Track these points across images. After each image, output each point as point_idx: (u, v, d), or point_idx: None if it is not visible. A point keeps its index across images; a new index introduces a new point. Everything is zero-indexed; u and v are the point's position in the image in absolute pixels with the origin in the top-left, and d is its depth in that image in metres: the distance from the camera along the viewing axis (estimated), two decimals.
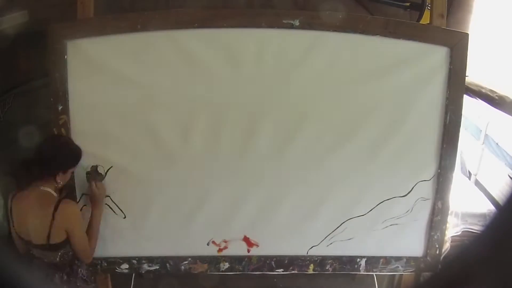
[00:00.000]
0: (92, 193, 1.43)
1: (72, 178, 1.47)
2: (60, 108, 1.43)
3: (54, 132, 1.44)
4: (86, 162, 1.47)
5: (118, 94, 1.44)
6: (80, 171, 1.47)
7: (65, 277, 1.35)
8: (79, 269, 1.39)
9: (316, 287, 1.97)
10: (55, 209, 1.28)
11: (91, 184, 1.43)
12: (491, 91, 1.57)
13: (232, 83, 1.45)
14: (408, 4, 1.74)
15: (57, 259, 1.33)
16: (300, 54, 1.44)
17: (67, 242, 1.32)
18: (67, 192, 1.44)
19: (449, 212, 1.61)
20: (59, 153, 1.34)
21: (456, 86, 1.47)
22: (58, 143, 1.38)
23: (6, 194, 1.85)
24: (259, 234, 1.57)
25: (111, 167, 1.48)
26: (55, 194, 1.32)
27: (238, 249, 1.57)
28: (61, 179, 1.33)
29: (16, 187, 1.34)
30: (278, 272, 1.60)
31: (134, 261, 1.56)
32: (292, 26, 1.42)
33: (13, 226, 1.33)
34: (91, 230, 1.40)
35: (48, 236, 1.29)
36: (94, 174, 1.47)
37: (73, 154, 1.38)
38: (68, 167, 1.35)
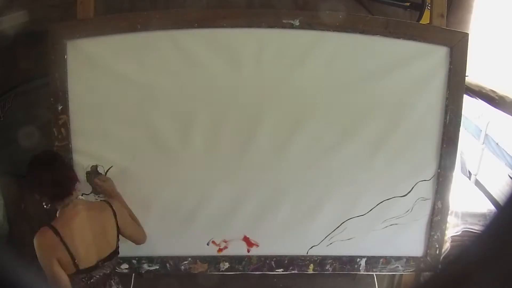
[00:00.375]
0: (102, 188, 1.43)
1: None
2: (60, 108, 1.43)
3: (54, 132, 1.44)
4: (86, 162, 1.47)
5: (118, 94, 1.45)
6: (80, 171, 1.47)
7: (117, 279, 1.35)
8: (115, 277, 1.38)
9: (316, 287, 1.96)
10: (112, 208, 1.27)
11: (96, 182, 1.43)
12: (491, 91, 1.57)
13: (232, 83, 1.45)
14: (408, 4, 1.73)
15: (112, 265, 1.31)
16: (300, 54, 1.44)
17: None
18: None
19: (449, 212, 1.61)
20: (62, 157, 1.33)
21: (456, 86, 1.47)
22: (52, 154, 1.33)
23: (6, 194, 1.86)
24: (259, 234, 1.57)
25: (111, 167, 1.48)
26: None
27: (238, 249, 1.57)
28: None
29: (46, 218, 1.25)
30: (278, 272, 1.60)
31: (134, 261, 1.56)
32: (292, 26, 1.42)
33: (76, 261, 1.18)
34: (131, 215, 1.41)
35: (117, 238, 1.28)
36: (94, 174, 1.47)
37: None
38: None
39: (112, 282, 1.33)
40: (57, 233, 1.16)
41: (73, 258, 1.17)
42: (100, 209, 1.27)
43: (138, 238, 1.39)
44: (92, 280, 1.24)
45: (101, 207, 1.28)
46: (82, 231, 1.20)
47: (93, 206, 1.29)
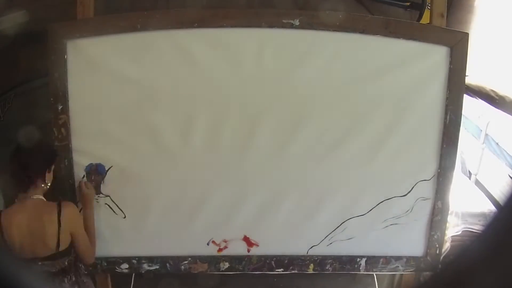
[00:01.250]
0: (83, 192, 1.42)
1: (72, 178, 1.47)
2: (60, 108, 1.43)
3: (54, 132, 1.44)
4: (86, 162, 1.47)
5: (118, 94, 1.44)
6: (80, 171, 1.47)
7: (73, 278, 1.33)
8: (81, 266, 1.37)
9: (316, 286, 1.96)
10: (59, 214, 1.25)
11: (81, 184, 1.43)
12: (491, 90, 1.57)
13: (232, 83, 1.45)
14: (408, 3, 1.73)
15: (66, 263, 1.30)
16: (300, 54, 1.44)
17: (71, 245, 1.30)
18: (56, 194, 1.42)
19: (449, 211, 1.61)
20: (40, 154, 1.29)
21: (456, 85, 1.47)
22: (32, 146, 1.30)
23: (6, 193, 1.86)
24: (259, 233, 1.57)
25: (111, 167, 1.48)
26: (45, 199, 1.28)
27: (238, 249, 1.57)
28: (48, 179, 1.29)
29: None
30: (278, 272, 1.60)
31: (134, 261, 1.56)
32: (292, 26, 1.42)
33: (10, 247, 1.22)
34: (88, 231, 1.36)
35: (58, 244, 1.26)
36: (94, 175, 1.47)
37: (50, 149, 1.35)
38: (51, 163, 1.31)
39: (66, 280, 1.31)
40: None
41: (7, 247, 1.21)
42: (44, 211, 1.26)
43: (83, 255, 1.34)
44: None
45: (47, 209, 1.26)
46: (19, 227, 1.23)
47: (40, 206, 1.26)
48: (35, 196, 1.26)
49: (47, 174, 1.29)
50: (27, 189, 1.25)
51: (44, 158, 1.30)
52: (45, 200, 1.29)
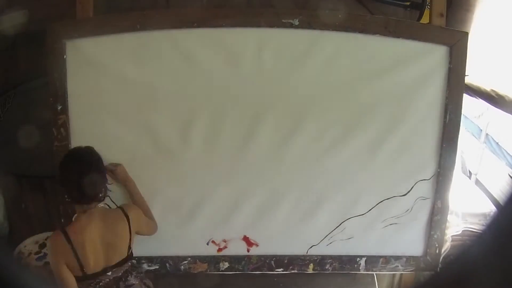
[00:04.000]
0: (115, 174, 1.41)
1: None
2: (59, 108, 1.43)
3: (54, 132, 1.44)
4: None
5: (117, 94, 1.45)
6: None
7: (133, 278, 1.33)
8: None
9: (316, 286, 1.96)
10: (127, 218, 1.26)
11: (108, 168, 1.37)
12: (491, 90, 1.57)
13: (231, 82, 1.45)
14: (408, 3, 1.73)
15: (129, 265, 1.31)
16: (300, 54, 1.44)
17: None
18: None
19: (449, 211, 1.61)
20: (102, 168, 1.24)
21: (456, 85, 1.47)
22: (91, 162, 1.21)
23: (6, 193, 1.86)
24: (258, 233, 1.57)
25: None
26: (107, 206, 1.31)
27: (237, 248, 1.57)
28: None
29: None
30: (278, 271, 1.60)
31: (134, 261, 1.55)
32: (291, 26, 1.42)
33: (84, 269, 1.18)
34: (143, 205, 1.41)
35: (129, 247, 1.27)
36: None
37: (100, 158, 1.26)
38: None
39: (129, 277, 1.31)
40: (68, 239, 1.17)
41: (80, 265, 1.18)
42: (114, 219, 1.25)
43: (151, 233, 1.43)
44: (100, 284, 1.25)
45: (116, 216, 1.26)
46: (93, 241, 1.20)
47: (108, 215, 1.26)
48: (99, 205, 1.24)
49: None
50: (90, 203, 1.20)
51: (104, 170, 1.27)
52: (107, 207, 1.31)
